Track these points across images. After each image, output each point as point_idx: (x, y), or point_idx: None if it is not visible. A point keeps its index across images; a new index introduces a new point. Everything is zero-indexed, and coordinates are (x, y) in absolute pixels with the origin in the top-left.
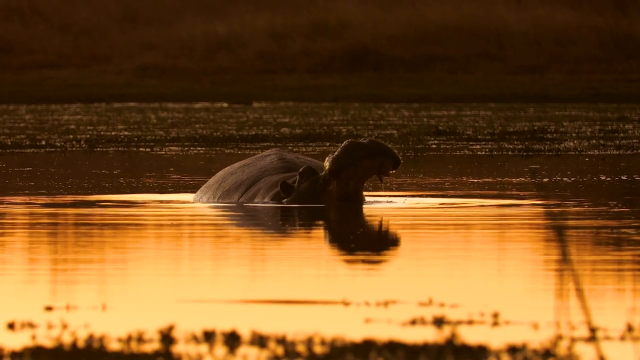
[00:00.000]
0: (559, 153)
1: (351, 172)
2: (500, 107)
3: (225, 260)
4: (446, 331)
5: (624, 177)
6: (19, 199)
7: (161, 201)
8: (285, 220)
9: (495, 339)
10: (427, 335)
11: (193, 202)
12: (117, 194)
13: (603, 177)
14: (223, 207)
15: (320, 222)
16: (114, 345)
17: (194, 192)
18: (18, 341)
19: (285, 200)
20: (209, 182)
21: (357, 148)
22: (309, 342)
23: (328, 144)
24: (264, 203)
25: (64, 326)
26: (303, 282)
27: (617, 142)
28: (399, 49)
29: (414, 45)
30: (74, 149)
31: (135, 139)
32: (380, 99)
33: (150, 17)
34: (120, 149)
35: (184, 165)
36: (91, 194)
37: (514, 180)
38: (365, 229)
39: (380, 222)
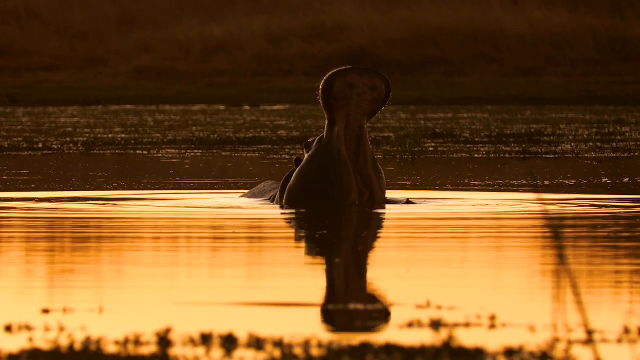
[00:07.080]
0: (556, 156)
1: (344, 88)
2: (497, 110)
3: (222, 262)
4: (443, 333)
5: (624, 180)
6: (16, 201)
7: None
8: (288, 223)
9: (492, 342)
10: (424, 337)
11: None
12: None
13: (602, 180)
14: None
15: (322, 225)
16: (110, 348)
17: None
18: (15, 343)
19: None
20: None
21: (340, 68)
22: (306, 344)
23: None
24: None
25: (61, 328)
26: (300, 285)
27: (614, 144)
28: (396, 51)
29: (410, 47)
30: (70, 151)
31: (132, 141)
32: None
33: (147, 19)
34: (117, 151)
35: (183, 168)
36: (90, 195)
37: (512, 182)
38: (367, 232)
39: (381, 225)
